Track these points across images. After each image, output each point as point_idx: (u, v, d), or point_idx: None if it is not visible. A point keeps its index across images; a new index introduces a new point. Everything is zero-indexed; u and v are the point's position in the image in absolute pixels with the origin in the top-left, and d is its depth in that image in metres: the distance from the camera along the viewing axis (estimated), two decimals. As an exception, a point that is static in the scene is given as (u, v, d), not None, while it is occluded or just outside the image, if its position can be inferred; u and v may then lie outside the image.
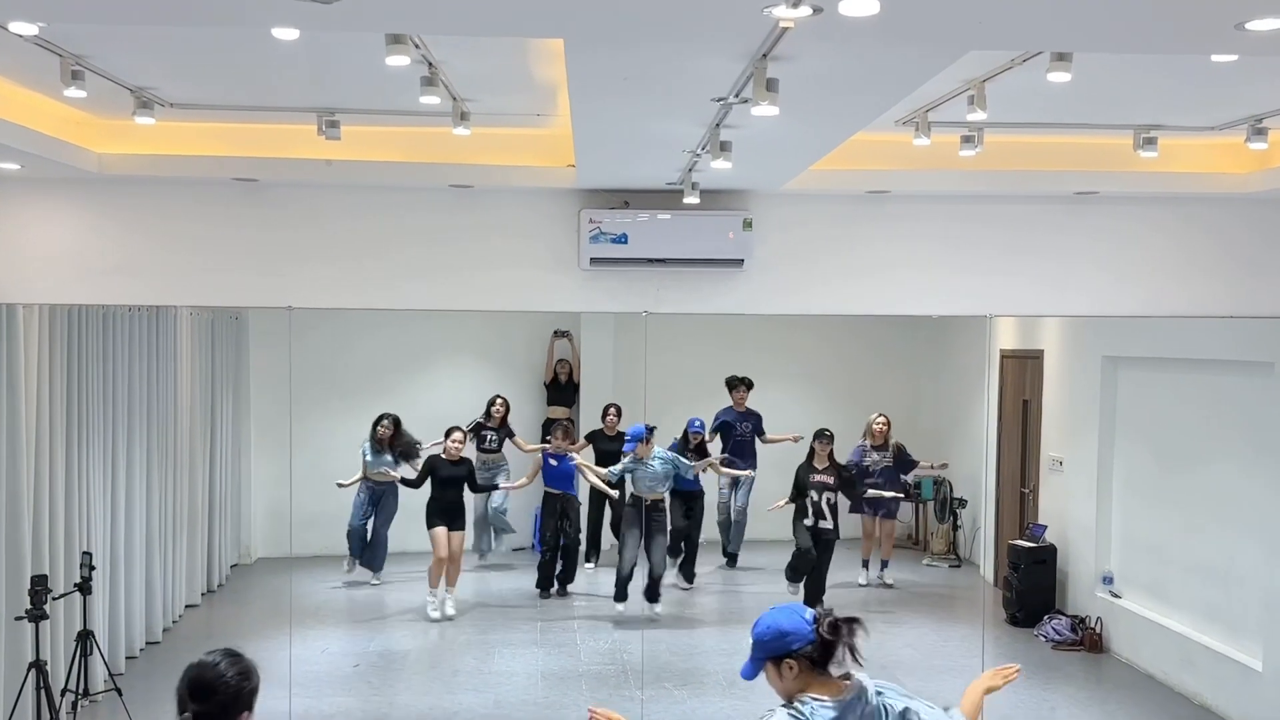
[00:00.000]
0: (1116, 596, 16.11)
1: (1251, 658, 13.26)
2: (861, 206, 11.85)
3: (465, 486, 17.62)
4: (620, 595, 17.13)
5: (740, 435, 19.86)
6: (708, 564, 19.71)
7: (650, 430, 17.15)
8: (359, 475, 18.89)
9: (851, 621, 5.45)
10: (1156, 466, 15.38)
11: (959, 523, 21.14)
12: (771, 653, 5.45)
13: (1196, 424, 14.55)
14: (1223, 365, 13.89)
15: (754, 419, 19.91)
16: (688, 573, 19.15)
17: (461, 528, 17.53)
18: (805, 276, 11.93)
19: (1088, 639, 16.17)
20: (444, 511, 17.38)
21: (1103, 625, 16.19)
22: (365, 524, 19.32)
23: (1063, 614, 16.85)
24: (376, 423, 19.11)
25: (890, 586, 19.34)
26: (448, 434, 17.70)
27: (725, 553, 20.26)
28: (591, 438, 19.67)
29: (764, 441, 19.74)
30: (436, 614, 17.19)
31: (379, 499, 19.23)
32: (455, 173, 11.01)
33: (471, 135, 9.81)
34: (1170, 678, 14.68)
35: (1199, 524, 14.47)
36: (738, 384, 19.93)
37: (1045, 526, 17.51)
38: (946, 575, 20.41)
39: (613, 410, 19.80)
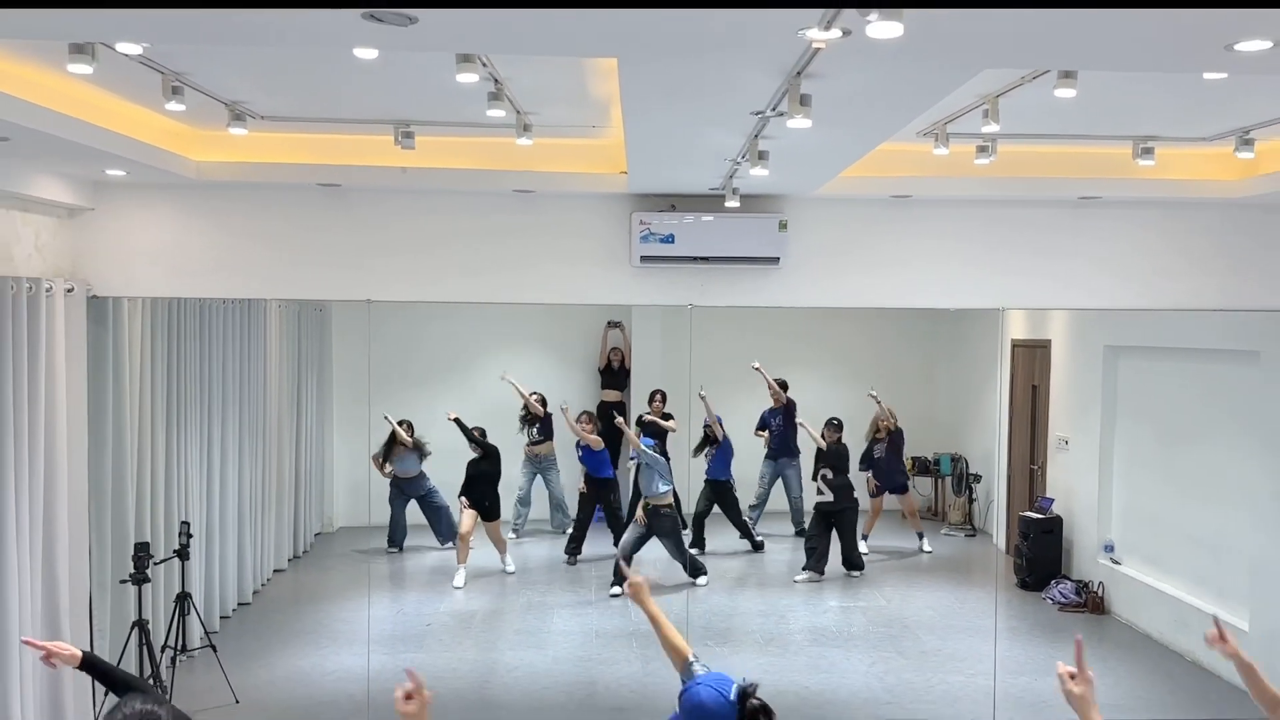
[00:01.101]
0: (1117, 563, 16.09)
1: (1239, 619, 13.21)
2: (886, 210, 11.85)
3: (497, 477, 17.94)
4: (618, 580, 16.67)
5: (775, 429, 19.97)
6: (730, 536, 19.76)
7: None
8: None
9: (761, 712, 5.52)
10: (1154, 445, 15.36)
11: (974, 496, 21.13)
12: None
13: (1190, 407, 14.52)
14: (1214, 354, 13.88)
15: (782, 411, 19.92)
16: (752, 543, 19.30)
17: (493, 515, 17.85)
18: (835, 272, 11.93)
19: (1091, 602, 16.17)
20: (471, 497, 17.80)
21: (1104, 589, 16.18)
22: (404, 514, 19.49)
23: (1068, 579, 16.85)
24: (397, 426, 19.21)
25: (929, 553, 19.49)
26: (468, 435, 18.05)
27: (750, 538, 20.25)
28: (639, 422, 19.69)
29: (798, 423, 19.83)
30: (460, 583, 17.29)
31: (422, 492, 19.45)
32: (518, 179, 11.03)
33: (533, 145, 9.80)
34: (1166, 637, 14.67)
35: (1192, 498, 14.46)
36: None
37: (1052, 500, 17.48)
38: (962, 544, 20.39)
39: (659, 396, 19.86)
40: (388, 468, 19.02)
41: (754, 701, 5.49)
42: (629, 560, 16.52)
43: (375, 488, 18.78)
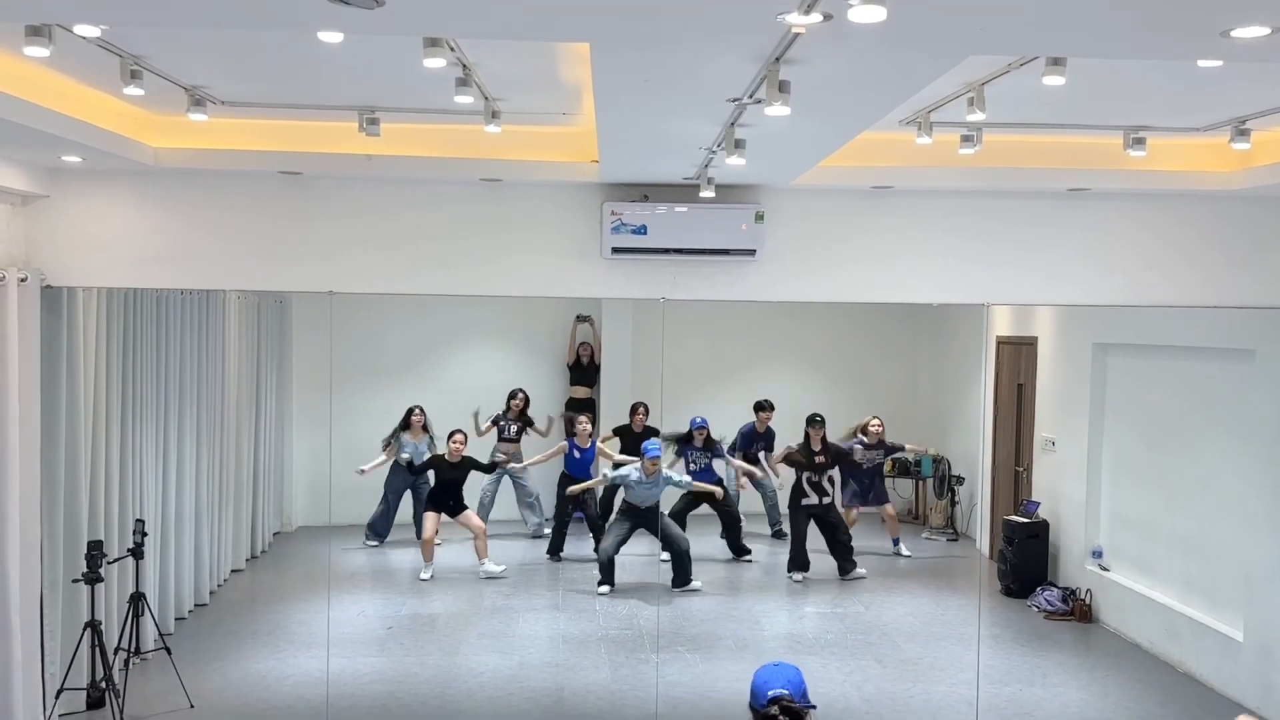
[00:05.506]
0: (1105, 569, 16.13)
1: (1232, 629, 13.30)
2: (867, 201, 11.88)
3: (463, 481, 18.16)
4: (605, 580, 17.08)
5: (756, 452, 19.99)
6: (711, 538, 19.72)
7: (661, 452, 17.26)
8: (380, 461, 19.12)
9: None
10: (1143, 447, 15.40)
11: (957, 499, 21.20)
12: (750, 697, 5.90)
13: (1181, 407, 14.57)
14: (1206, 352, 13.91)
15: (768, 438, 20.05)
16: (738, 549, 19.25)
17: (459, 512, 18.06)
18: (813, 266, 11.96)
19: (1078, 609, 16.21)
20: (438, 500, 18.03)
21: (1092, 596, 16.22)
22: (397, 507, 19.75)
23: (1054, 585, 16.88)
24: (409, 414, 19.41)
25: (908, 557, 19.57)
26: (450, 436, 18.20)
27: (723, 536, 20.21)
28: (620, 432, 19.79)
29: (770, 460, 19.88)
30: (427, 575, 17.72)
31: (416, 482, 19.56)
32: (486, 167, 11.05)
33: (502, 132, 9.85)
34: (1156, 647, 14.71)
35: (1183, 501, 14.50)
36: (761, 407, 20.09)
37: (1038, 503, 17.53)
38: (944, 548, 20.46)
39: (641, 409, 20.01)
40: (403, 456, 19.25)
41: (775, 706, 5.69)
42: (613, 562, 16.94)
43: (336, 485, 18.81)
